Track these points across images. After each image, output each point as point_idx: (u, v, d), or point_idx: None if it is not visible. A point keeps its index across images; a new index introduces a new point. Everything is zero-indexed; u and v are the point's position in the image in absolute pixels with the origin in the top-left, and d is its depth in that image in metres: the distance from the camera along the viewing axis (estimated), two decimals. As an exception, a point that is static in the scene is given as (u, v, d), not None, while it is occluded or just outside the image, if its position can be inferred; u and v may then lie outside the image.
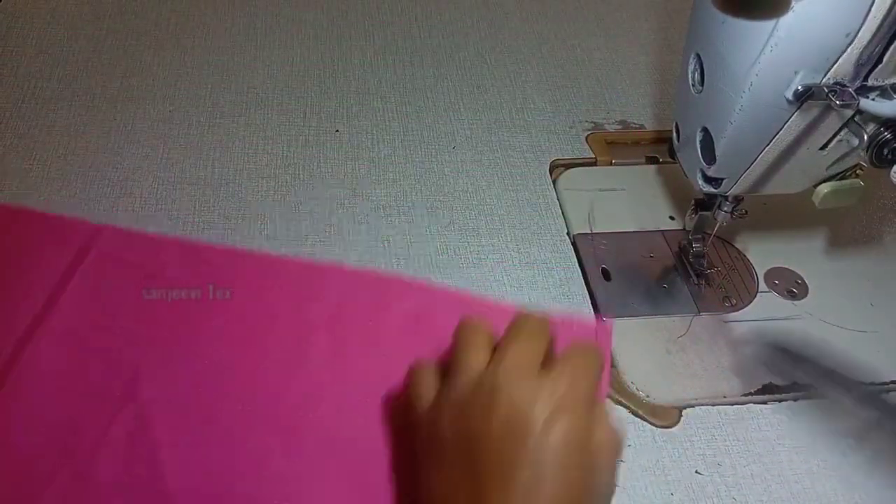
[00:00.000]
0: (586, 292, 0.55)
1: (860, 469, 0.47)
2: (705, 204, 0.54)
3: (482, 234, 0.58)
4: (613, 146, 0.66)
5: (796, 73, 0.41)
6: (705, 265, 0.56)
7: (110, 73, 0.68)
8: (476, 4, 0.80)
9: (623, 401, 0.49)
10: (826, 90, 0.40)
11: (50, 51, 0.70)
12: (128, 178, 0.59)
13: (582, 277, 0.56)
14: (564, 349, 0.36)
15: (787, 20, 0.39)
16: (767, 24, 0.40)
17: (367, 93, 0.69)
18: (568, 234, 0.59)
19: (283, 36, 0.74)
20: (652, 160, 0.65)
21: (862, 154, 0.43)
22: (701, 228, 0.56)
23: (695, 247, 0.56)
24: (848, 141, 0.44)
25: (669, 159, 0.56)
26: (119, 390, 0.46)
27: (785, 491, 0.46)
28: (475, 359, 0.36)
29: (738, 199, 0.51)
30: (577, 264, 0.57)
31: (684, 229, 0.56)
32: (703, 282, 0.56)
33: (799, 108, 0.42)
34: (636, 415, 0.48)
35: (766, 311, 0.55)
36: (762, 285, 0.56)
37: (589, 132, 0.67)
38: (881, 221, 0.62)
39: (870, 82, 0.41)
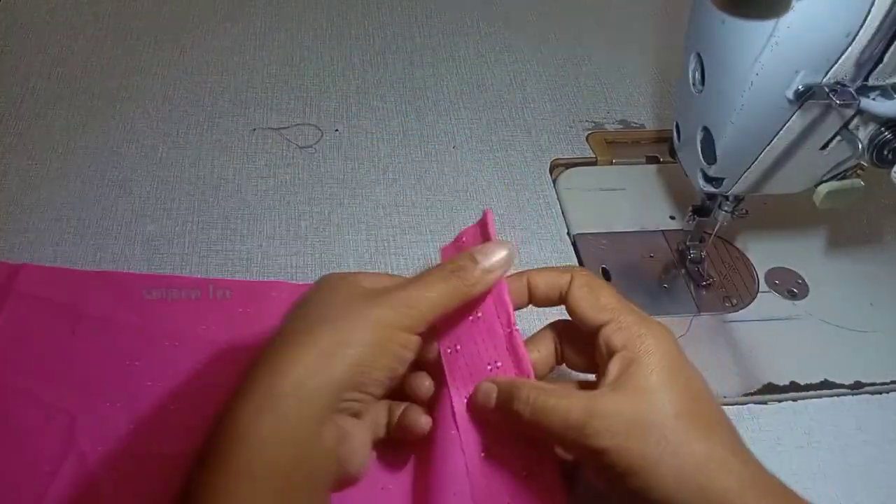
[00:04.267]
0: (586, 292, 0.55)
1: (860, 469, 0.47)
2: (703, 210, 0.54)
3: (482, 234, 0.58)
4: (614, 146, 0.66)
5: (797, 72, 0.41)
6: (703, 271, 0.56)
7: (110, 72, 0.68)
8: (476, 4, 0.80)
9: (623, 401, 0.49)
10: (826, 90, 0.40)
11: (49, 50, 0.70)
12: (127, 178, 0.59)
13: (582, 277, 0.56)
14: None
15: (787, 20, 0.39)
16: (768, 24, 0.40)
17: (367, 93, 0.69)
18: (568, 233, 0.59)
19: (283, 36, 0.74)
20: (652, 160, 0.65)
21: (862, 154, 0.43)
22: (699, 235, 0.56)
23: (692, 252, 0.56)
24: (848, 141, 0.44)
25: (670, 159, 0.56)
26: (57, 440, 0.43)
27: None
28: None
29: (738, 199, 0.51)
30: (577, 264, 0.57)
31: (684, 230, 0.56)
32: (702, 287, 0.56)
33: (799, 107, 0.42)
34: (636, 415, 0.48)
35: (767, 311, 0.55)
36: (762, 285, 0.56)
37: (589, 132, 0.67)
38: (881, 221, 0.62)
39: (870, 82, 0.41)
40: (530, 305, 0.41)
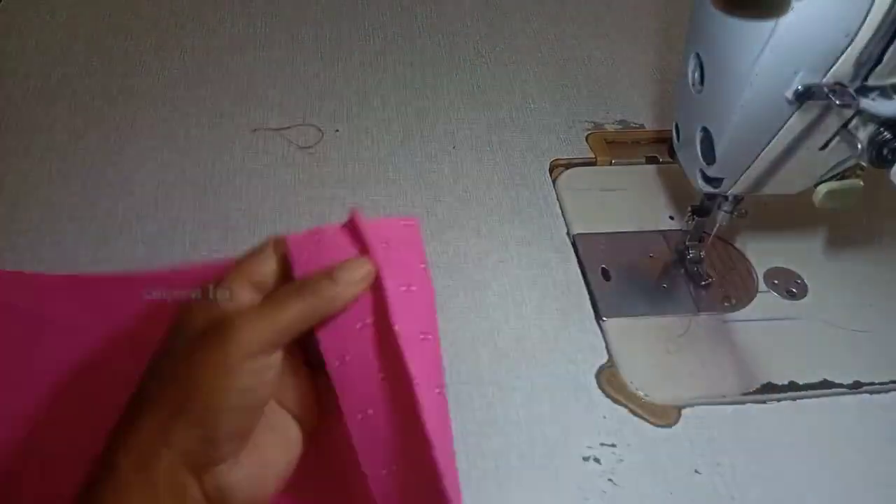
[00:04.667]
0: (586, 292, 0.55)
1: (860, 469, 0.47)
2: (702, 210, 0.54)
3: (482, 234, 0.58)
4: (613, 146, 0.66)
5: (796, 72, 0.41)
6: (703, 271, 0.56)
7: (110, 73, 0.68)
8: (476, 4, 0.80)
9: (622, 400, 0.49)
10: (826, 90, 0.40)
11: (50, 51, 0.70)
12: (127, 179, 0.59)
13: (582, 277, 0.56)
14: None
15: (787, 20, 0.39)
16: (767, 24, 0.40)
17: (368, 93, 0.69)
18: (568, 234, 0.59)
19: (283, 36, 0.74)
20: (652, 160, 0.65)
21: (862, 154, 0.43)
22: (698, 235, 0.56)
23: (691, 252, 0.56)
24: (848, 141, 0.44)
25: (669, 159, 0.56)
26: (20, 447, 0.42)
27: (785, 491, 0.46)
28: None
29: (737, 199, 0.51)
30: (577, 264, 0.57)
31: (683, 230, 0.56)
32: (702, 287, 0.56)
33: (799, 107, 0.42)
34: (635, 414, 0.48)
35: (766, 311, 0.55)
36: (762, 285, 0.56)
37: (589, 132, 0.67)
38: (881, 221, 0.62)
39: (870, 82, 0.41)
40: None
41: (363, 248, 0.36)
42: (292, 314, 0.34)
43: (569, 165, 0.65)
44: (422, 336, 0.36)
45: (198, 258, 0.54)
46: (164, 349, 0.35)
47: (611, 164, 0.65)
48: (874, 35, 0.39)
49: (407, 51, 0.74)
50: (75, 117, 0.64)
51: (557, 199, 0.61)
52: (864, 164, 0.45)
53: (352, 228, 0.37)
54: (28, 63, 0.68)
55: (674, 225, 0.60)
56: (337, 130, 0.65)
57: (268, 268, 0.38)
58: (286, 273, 0.37)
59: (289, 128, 0.65)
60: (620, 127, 0.68)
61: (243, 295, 0.36)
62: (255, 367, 0.33)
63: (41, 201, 0.57)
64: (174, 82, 0.68)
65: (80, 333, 0.48)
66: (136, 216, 0.57)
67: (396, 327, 0.35)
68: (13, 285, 0.50)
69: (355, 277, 0.35)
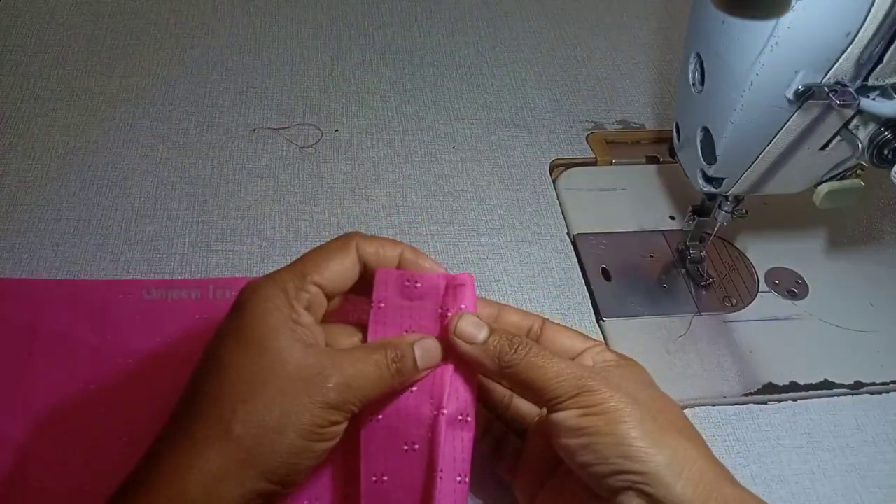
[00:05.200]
0: (586, 292, 0.55)
1: (860, 469, 0.47)
2: (703, 210, 0.54)
3: (482, 234, 0.58)
4: (614, 146, 0.66)
5: (797, 72, 0.41)
6: (703, 271, 0.56)
7: (109, 72, 0.68)
8: (476, 4, 0.80)
9: (623, 401, 0.49)
10: (826, 90, 0.40)
11: (49, 50, 0.70)
12: (127, 178, 0.59)
13: (582, 277, 0.56)
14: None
15: (787, 20, 0.39)
16: (768, 24, 0.40)
17: (367, 93, 0.69)
18: (568, 234, 0.59)
19: (282, 35, 0.74)
20: (652, 160, 0.65)
21: (862, 153, 0.43)
22: (699, 235, 0.56)
23: (692, 252, 0.56)
24: (848, 141, 0.44)
25: (670, 159, 0.56)
26: (7, 469, 0.42)
27: (785, 491, 0.46)
28: None
29: (738, 199, 0.51)
30: (577, 264, 0.57)
31: (684, 230, 0.56)
32: (702, 287, 0.56)
33: (799, 107, 0.42)
34: (636, 415, 0.48)
35: (767, 311, 0.55)
36: (762, 285, 0.56)
37: (589, 132, 0.67)
38: (881, 221, 0.62)
39: (870, 82, 0.41)
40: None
41: (443, 314, 0.38)
42: (371, 385, 0.35)
43: (569, 165, 0.65)
44: (460, 417, 0.37)
45: (197, 258, 0.54)
46: (221, 354, 0.34)
47: (611, 163, 0.65)
48: (875, 35, 0.39)
49: (407, 50, 0.74)
50: (75, 117, 0.64)
51: (557, 199, 0.61)
52: (864, 163, 0.45)
53: (455, 289, 0.38)
54: (28, 63, 0.68)
55: (674, 225, 0.60)
56: (337, 130, 0.65)
57: (341, 267, 0.38)
58: (360, 280, 0.39)
59: (288, 127, 0.65)
60: (621, 127, 0.68)
61: (301, 316, 0.35)
62: (331, 434, 0.34)
63: (41, 201, 0.57)
64: (173, 82, 0.68)
65: (71, 342, 0.47)
66: (135, 216, 0.57)
67: (445, 411, 0.36)
68: (6, 295, 0.50)
69: (431, 359, 0.37)
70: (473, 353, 0.37)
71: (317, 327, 0.36)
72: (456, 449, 0.36)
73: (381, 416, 0.37)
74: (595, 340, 0.39)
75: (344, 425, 0.35)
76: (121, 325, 0.49)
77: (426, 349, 0.37)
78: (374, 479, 0.37)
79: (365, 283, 0.39)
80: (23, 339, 0.47)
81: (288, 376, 0.33)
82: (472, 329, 0.37)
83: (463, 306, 0.38)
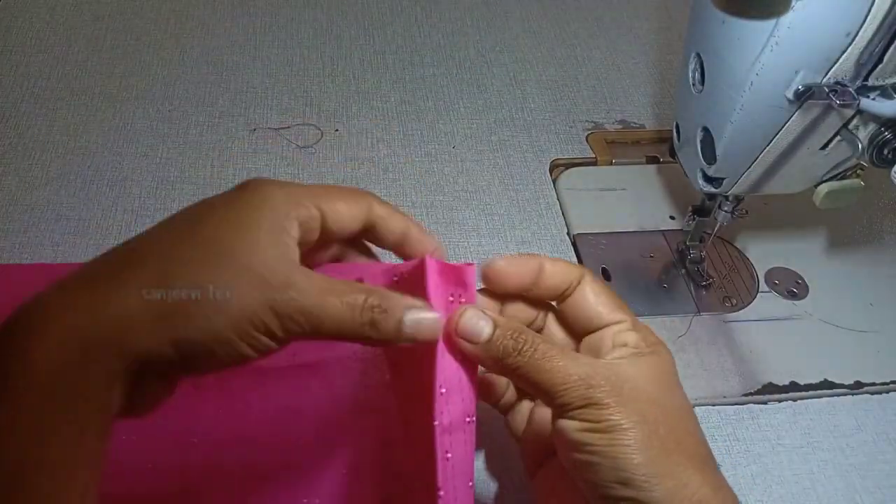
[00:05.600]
0: (586, 292, 0.55)
1: (860, 469, 0.47)
2: (703, 210, 0.54)
3: (482, 234, 0.58)
4: (614, 146, 0.66)
5: (797, 72, 0.41)
6: (703, 271, 0.56)
7: (109, 72, 0.68)
8: (476, 4, 0.80)
9: (623, 401, 0.49)
10: (826, 90, 0.40)
11: (49, 50, 0.70)
12: (127, 178, 0.59)
13: (582, 277, 0.56)
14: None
15: (787, 20, 0.39)
16: (768, 24, 0.40)
17: (367, 93, 0.69)
18: (568, 233, 0.59)
19: (282, 35, 0.74)
20: (652, 160, 0.65)
21: (862, 153, 0.43)
22: (699, 235, 0.56)
23: (692, 252, 0.56)
24: (848, 141, 0.44)
25: (670, 159, 0.56)
26: None
27: (785, 491, 0.46)
28: None
29: (738, 199, 0.51)
30: (577, 264, 0.57)
31: (684, 230, 0.56)
32: (702, 287, 0.56)
33: (799, 107, 0.42)
34: (636, 415, 0.48)
35: (767, 311, 0.55)
36: (762, 285, 0.56)
37: (589, 132, 0.67)
38: (881, 221, 0.62)
39: (870, 82, 0.41)
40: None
41: (425, 295, 0.34)
42: (333, 322, 0.31)
43: (569, 165, 0.65)
44: (468, 419, 0.34)
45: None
46: (217, 206, 0.32)
47: (611, 163, 0.65)
48: (875, 35, 0.39)
49: (407, 50, 0.74)
50: (75, 117, 0.64)
51: (557, 199, 0.61)
52: (864, 163, 0.45)
53: (420, 269, 0.34)
54: (28, 63, 0.68)
55: (674, 225, 0.60)
56: (337, 130, 0.65)
57: (347, 208, 0.35)
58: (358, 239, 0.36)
59: (288, 127, 0.65)
60: (621, 126, 0.68)
61: (292, 227, 0.32)
62: (262, 337, 0.30)
63: (41, 201, 0.57)
64: (173, 82, 0.68)
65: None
66: (135, 216, 0.57)
67: (436, 422, 0.33)
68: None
69: (422, 330, 0.33)
70: (476, 353, 0.34)
71: (296, 247, 0.33)
72: (462, 454, 0.34)
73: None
74: (623, 314, 0.37)
75: (275, 346, 0.31)
76: None
77: (420, 319, 0.32)
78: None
79: (362, 244, 0.37)
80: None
81: (250, 266, 0.30)
82: (475, 326, 0.34)
83: (463, 300, 0.35)
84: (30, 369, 0.28)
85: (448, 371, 0.34)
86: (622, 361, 0.34)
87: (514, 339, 0.34)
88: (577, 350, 0.38)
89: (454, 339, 0.34)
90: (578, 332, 0.38)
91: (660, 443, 0.32)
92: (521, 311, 0.38)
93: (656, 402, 0.33)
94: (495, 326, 0.34)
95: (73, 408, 0.28)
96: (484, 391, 0.40)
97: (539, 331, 0.39)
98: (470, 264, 0.35)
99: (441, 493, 0.33)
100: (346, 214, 0.35)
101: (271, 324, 0.30)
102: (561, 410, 0.33)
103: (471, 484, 0.34)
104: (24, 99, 0.65)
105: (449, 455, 0.33)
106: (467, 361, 0.35)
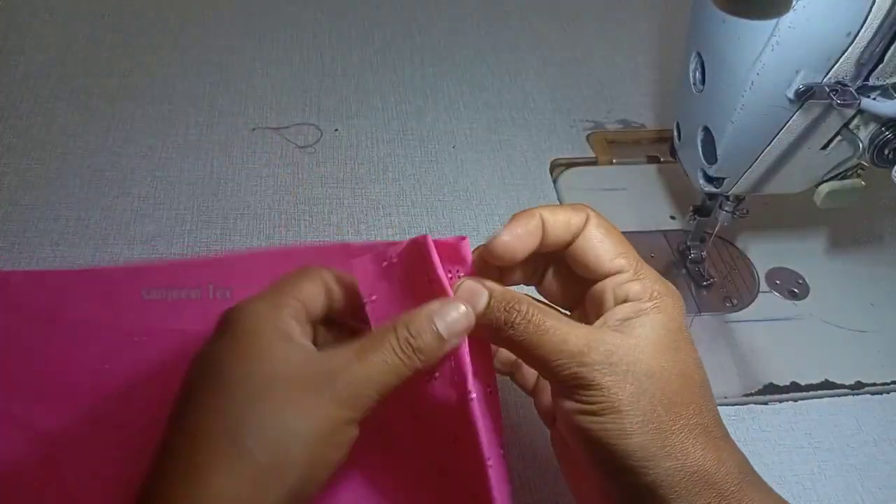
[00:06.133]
0: (586, 292, 0.55)
1: (861, 469, 0.47)
2: (704, 210, 0.53)
3: (482, 234, 0.58)
4: (614, 145, 0.66)
5: (797, 72, 0.40)
6: (704, 271, 0.56)
7: (109, 72, 0.68)
8: (476, 4, 0.80)
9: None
10: (827, 90, 0.40)
11: (48, 50, 0.70)
12: (126, 178, 0.59)
13: (582, 277, 0.56)
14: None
15: (787, 20, 0.39)
16: (768, 24, 0.40)
17: (367, 92, 0.69)
18: (568, 233, 0.59)
19: (282, 35, 0.74)
20: (653, 159, 0.65)
21: (863, 153, 0.43)
22: (699, 234, 0.55)
23: (693, 252, 0.56)
24: (849, 141, 0.44)
25: (670, 159, 0.56)
26: (36, 468, 0.41)
27: (785, 491, 0.45)
28: None
29: (739, 199, 0.51)
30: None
31: (684, 230, 0.56)
32: (703, 287, 0.56)
33: (800, 107, 0.42)
34: (636, 415, 0.48)
35: (767, 311, 0.55)
36: (763, 285, 0.56)
37: (590, 131, 0.67)
38: (881, 221, 0.62)
39: (871, 82, 0.41)
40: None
41: (434, 277, 0.33)
42: (387, 376, 0.31)
43: (569, 165, 0.65)
44: (489, 390, 0.34)
45: (196, 257, 0.54)
46: (211, 366, 0.32)
47: (612, 163, 0.65)
48: (875, 34, 0.38)
49: (407, 50, 0.74)
50: (74, 117, 0.64)
51: (558, 199, 0.61)
52: (865, 163, 0.45)
53: (415, 249, 0.34)
54: (28, 63, 0.68)
55: (675, 225, 0.60)
56: (336, 130, 0.65)
57: (313, 286, 0.35)
58: (341, 299, 0.36)
59: (288, 127, 0.65)
60: (621, 126, 0.68)
61: (292, 326, 0.33)
62: (346, 439, 0.31)
63: (40, 201, 0.57)
64: (173, 81, 0.68)
65: (92, 328, 0.47)
66: (134, 216, 0.56)
67: (473, 395, 0.33)
68: (22, 286, 0.50)
69: (459, 329, 0.32)
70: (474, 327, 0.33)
71: (309, 337, 0.34)
72: (489, 426, 0.34)
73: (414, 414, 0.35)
74: (626, 260, 0.34)
75: (357, 432, 0.32)
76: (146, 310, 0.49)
77: (450, 320, 0.32)
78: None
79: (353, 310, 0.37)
80: (41, 325, 0.48)
81: (294, 378, 0.31)
82: (468, 298, 0.33)
83: (460, 273, 0.34)
84: None
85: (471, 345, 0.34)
86: (622, 326, 0.32)
87: (507, 311, 0.32)
88: (584, 306, 0.36)
89: None
90: (582, 281, 0.35)
91: (657, 423, 0.31)
92: (561, 223, 0.35)
93: (655, 376, 0.31)
94: (491, 297, 0.33)
95: None
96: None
97: (539, 283, 0.36)
98: (463, 237, 0.34)
99: (489, 462, 0.33)
100: (315, 291, 0.35)
101: (344, 413, 0.31)
102: (556, 386, 0.32)
103: (503, 452, 0.34)
104: (23, 98, 0.65)
105: (480, 426, 0.33)
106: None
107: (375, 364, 0.31)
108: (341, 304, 0.36)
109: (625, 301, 0.33)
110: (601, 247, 0.34)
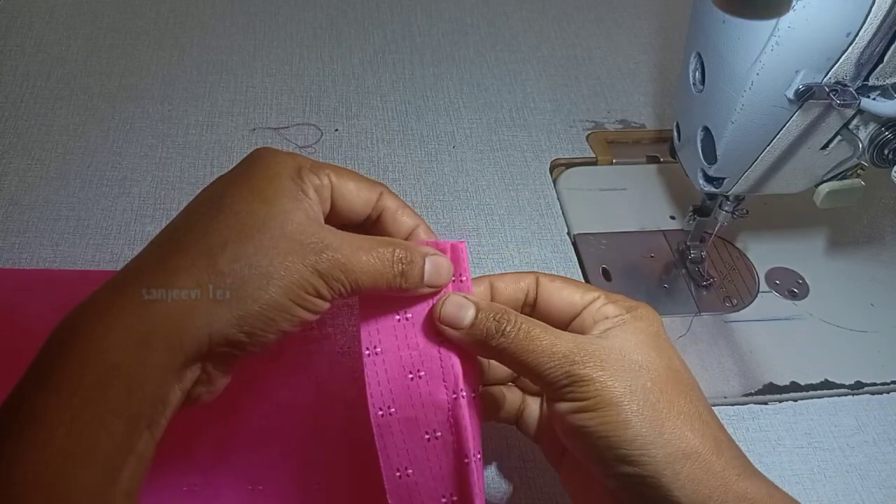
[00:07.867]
0: (586, 292, 0.55)
1: (860, 469, 0.47)
2: (703, 210, 0.54)
3: (482, 234, 0.58)
4: (614, 145, 0.66)
5: (797, 72, 0.41)
6: (704, 271, 0.56)
7: (109, 72, 0.68)
8: (476, 4, 0.80)
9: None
10: (827, 90, 0.40)
11: (48, 50, 0.70)
12: (126, 178, 0.59)
13: (582, 277, 0.56)
14: None
15: (787, 20, 0.39)
16: (768, 24, 0.40)
17: (367, 92, 0.69)
18: (568, 233, 0.59)
19: (282, 35, 0.74)
20: (653, 159, 0.65)
21: (863, 153, 0.43)
22: (699, 234, 0.56)
23: (692, 252, 0.56)
24: (849, 141, 0.44)
25: (670, 159, 0.56)
26: None
27: (786, 492, 0.45)
28: None
29: (738, 199, 0.51)
30: (577, 264, 0.57)
31: (684, 230, 0.56)
32: (703, 287, 0.56)
33: (800, 107, 0.42)
34: (636, 415, 0.48)
35: (767, 311, 0.55)
36: (763, 285, 0.56)
37: (589, 131, 0.67)
38: (881, 221, 0.62)
39: (871, 82, 0.41)
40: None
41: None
42: (370, 276, 0.33)
43: (569, 165, 0.65)
44: (473, 395, 0.36)
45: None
46: (236, 186, 0.34)
47: (611, 163, 0.65)
48: (875, 35, 0.39)
49: (407, 50, 0.74)
50: (74, 117, 0.64)
51: (558, 199, 0.61)
52: (864, 163, 0.45)
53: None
54: (28, 63, 0.68)
55: (675, 225, 0.60)
56: (336, 130, 0.65)
57: (356, 189, 0.36)
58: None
59: (288, 127, 0.65)
60: (621, 126, 0.68)
61: (309, 191, 0.34)
62: (312, 307, 0.32)
63: (40, 201, 0.57)
64: (173, 81, 0.68)
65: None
66: (134, 216, 0.57)
67: (464, 394, 0.35)
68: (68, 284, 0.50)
69: (442, 275, 0.35)
70: (460, 339, 0.35)
71: (319, 207, 0.35)
72: (475, 428, 0.35)
73: (393, 409, 0.36)
74: (595, 292, 0.37)
75: (327, 305, 0.33)
76: None
77: (436, 265, 0.35)
78: (398, 474, 0.36)
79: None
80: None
81: (285, 233, 0.32)
82: (456, 312, 0.35)
83: (463, 278, 0.36)
84: (85, 364, 0.29)
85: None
86: (605, 333, 0.34)
87: (497, 321, 0.34)
88: None
89: (438, 327, 0.35)
90: (560, 325, 0.37)
91: (651, 411, 0.32)
92: (511, 285, 0.38)
93: (644, 368, 0.33)
94: (478, 310, 0.35)
95: (125, 401, 0.29)
96: (486, 409, 0.40)
97: (533, 303, 0.38)
98: (461, 241, 0.37)
99: (478, 455, 0.34)
100: (355, 195, 0.36)
101: (318, 285, 0.32)
102: (549, 390, 0.33)
103: (479, 456, 0.35)
104: (23, 98, 0.65)
105: (468, 426, 0.35)
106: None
107: (362, 262, 0.33)
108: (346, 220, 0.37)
109: (605, 319, 0.35)
110: (565, 290, 0.37)
